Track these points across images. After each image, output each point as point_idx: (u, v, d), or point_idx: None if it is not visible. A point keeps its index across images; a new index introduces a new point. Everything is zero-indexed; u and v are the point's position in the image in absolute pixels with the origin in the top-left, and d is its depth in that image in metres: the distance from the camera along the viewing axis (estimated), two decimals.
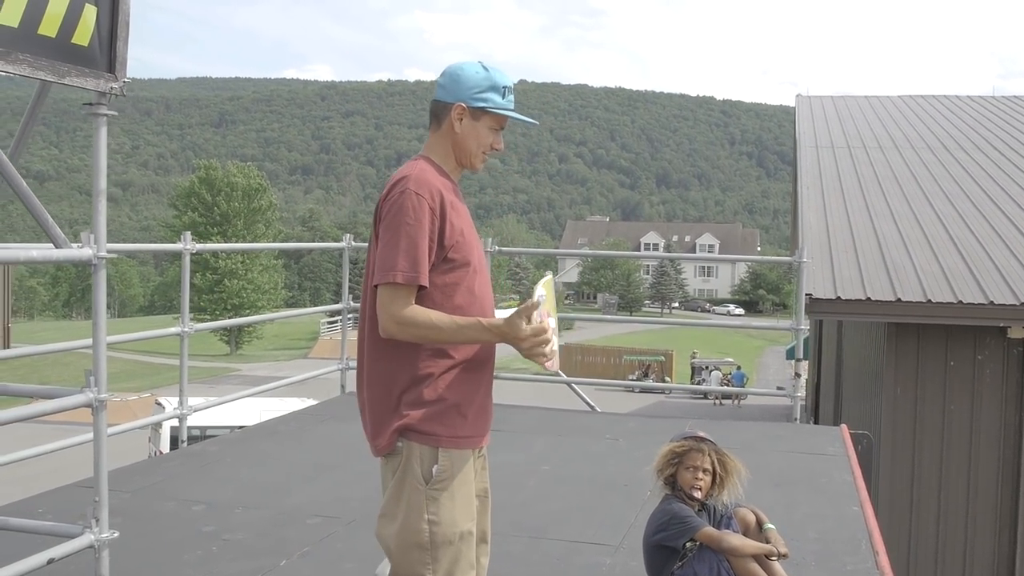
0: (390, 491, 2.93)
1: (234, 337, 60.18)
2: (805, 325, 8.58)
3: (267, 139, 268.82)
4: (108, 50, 3.75)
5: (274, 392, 17.43)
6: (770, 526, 4.18)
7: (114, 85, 3.76)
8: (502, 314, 2.94)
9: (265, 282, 63.40)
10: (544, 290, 2.94)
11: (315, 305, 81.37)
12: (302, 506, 5.43)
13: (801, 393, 8.51)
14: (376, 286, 2.87)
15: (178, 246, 6.70)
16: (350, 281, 9.25)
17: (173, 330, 6.81)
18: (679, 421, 7.86)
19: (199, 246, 6.91)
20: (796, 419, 8.34)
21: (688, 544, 4.07)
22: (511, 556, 3.87)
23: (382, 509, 2.96)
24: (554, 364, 2.92)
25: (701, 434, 4.24)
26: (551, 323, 2.92)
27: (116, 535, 3.78)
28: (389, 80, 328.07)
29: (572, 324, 67.52)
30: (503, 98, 3.03)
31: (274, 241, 61.80)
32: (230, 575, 4.35)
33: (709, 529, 4.06)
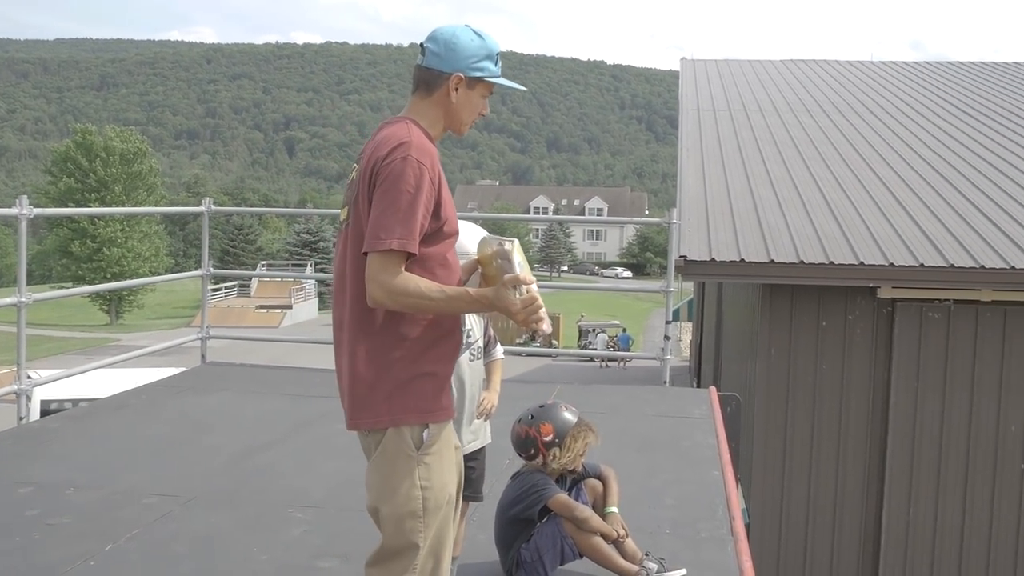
0: (376, 463, 2.81)
1: (114, 307, 58.48)
2: (675, 288, 8.52)
3: (151, 103, 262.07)
4: None
5: (151, 362, 16.86)
6: (611, 510, 4.07)
7: None
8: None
9: (146, 249, 61.85)
10: (520, 256, 2.86)
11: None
12: (139, 485, 5.11)
13: (671, 356, 8.46)
14: (366, 254, 2.74)
15: (13, 211, 6.28)
16: (212, 247, 8.87)
17: (8, 300, 6.39)
18: (546, 386, 7.71)
19: (36, 211, 6.49)
20: (665, 382, 8.27)
21: (542, 517, 3.96)
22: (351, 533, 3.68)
23: (367, 481, 2.85)
24: (548, 326, 2.84)
25: (565, 404, 4.18)
26: (534, 288, 2.82)
27: None
28: (277, 43, 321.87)
29: None
30: (495, 65, 3.01)
31: (157, 207, 60.08)
32: (49, 564, 4.02)
33: (562, 496, 3.96)
